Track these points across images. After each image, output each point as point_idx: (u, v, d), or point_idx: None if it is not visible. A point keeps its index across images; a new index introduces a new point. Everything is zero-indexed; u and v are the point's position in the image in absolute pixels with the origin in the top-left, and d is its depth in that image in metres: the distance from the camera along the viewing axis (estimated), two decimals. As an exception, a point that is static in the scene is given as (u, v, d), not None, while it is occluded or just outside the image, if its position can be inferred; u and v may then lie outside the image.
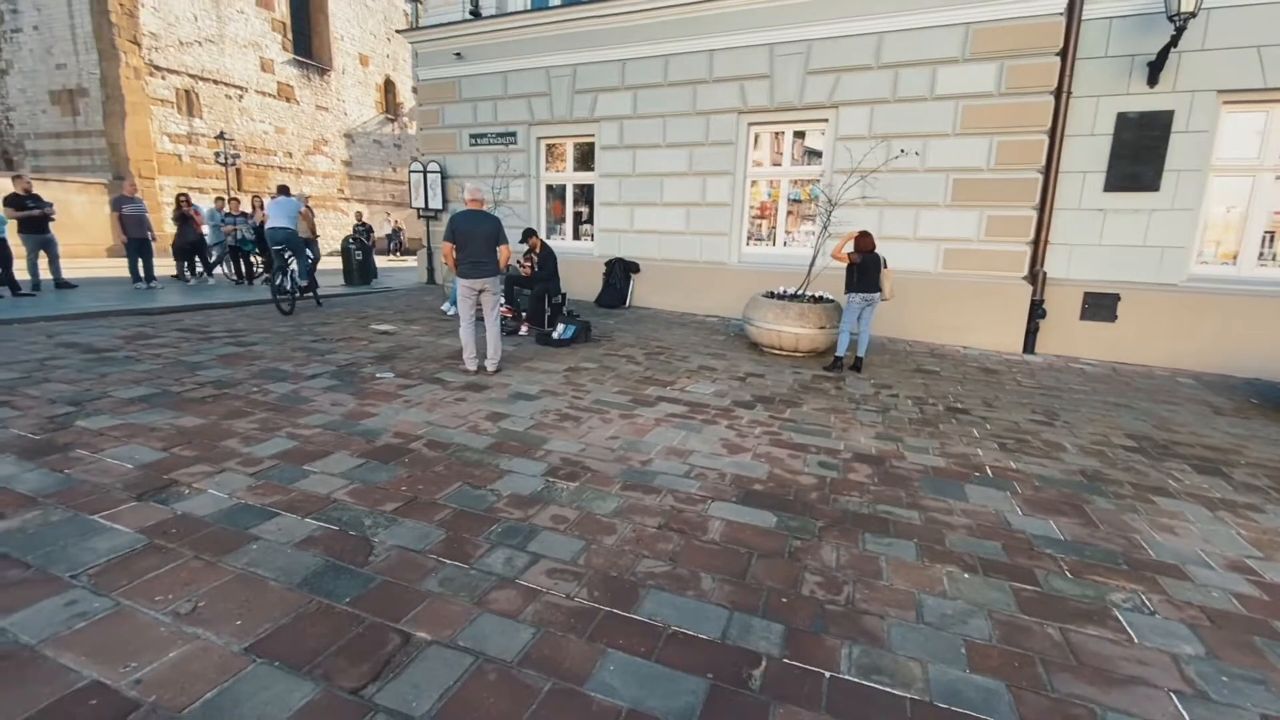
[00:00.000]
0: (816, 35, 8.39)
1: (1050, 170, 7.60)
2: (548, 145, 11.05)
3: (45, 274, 9.14)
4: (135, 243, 9.99)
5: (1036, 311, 7.83)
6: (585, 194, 10.97)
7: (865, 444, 4.27)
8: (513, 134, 10.96)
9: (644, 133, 9.76)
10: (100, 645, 1.93)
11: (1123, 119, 7.31)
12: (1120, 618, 2.39)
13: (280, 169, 22.18)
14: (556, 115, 10.47)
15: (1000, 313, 7.96)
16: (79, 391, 4.37)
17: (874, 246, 6.23)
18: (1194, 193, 7.16)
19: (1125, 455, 4.36)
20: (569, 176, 11.01)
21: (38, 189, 9.60)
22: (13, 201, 8.78)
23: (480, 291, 5.49)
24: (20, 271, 8.81)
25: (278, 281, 8.33)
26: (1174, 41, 6.62)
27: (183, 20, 18.20)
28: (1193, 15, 6.35)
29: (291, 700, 1.76)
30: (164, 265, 11.03)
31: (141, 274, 10.02)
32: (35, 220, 8.89)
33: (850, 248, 6.25)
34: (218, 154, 18.70)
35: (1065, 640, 2.23)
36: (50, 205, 9.15)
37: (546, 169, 11.15)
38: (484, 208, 5.53)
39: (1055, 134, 7.52)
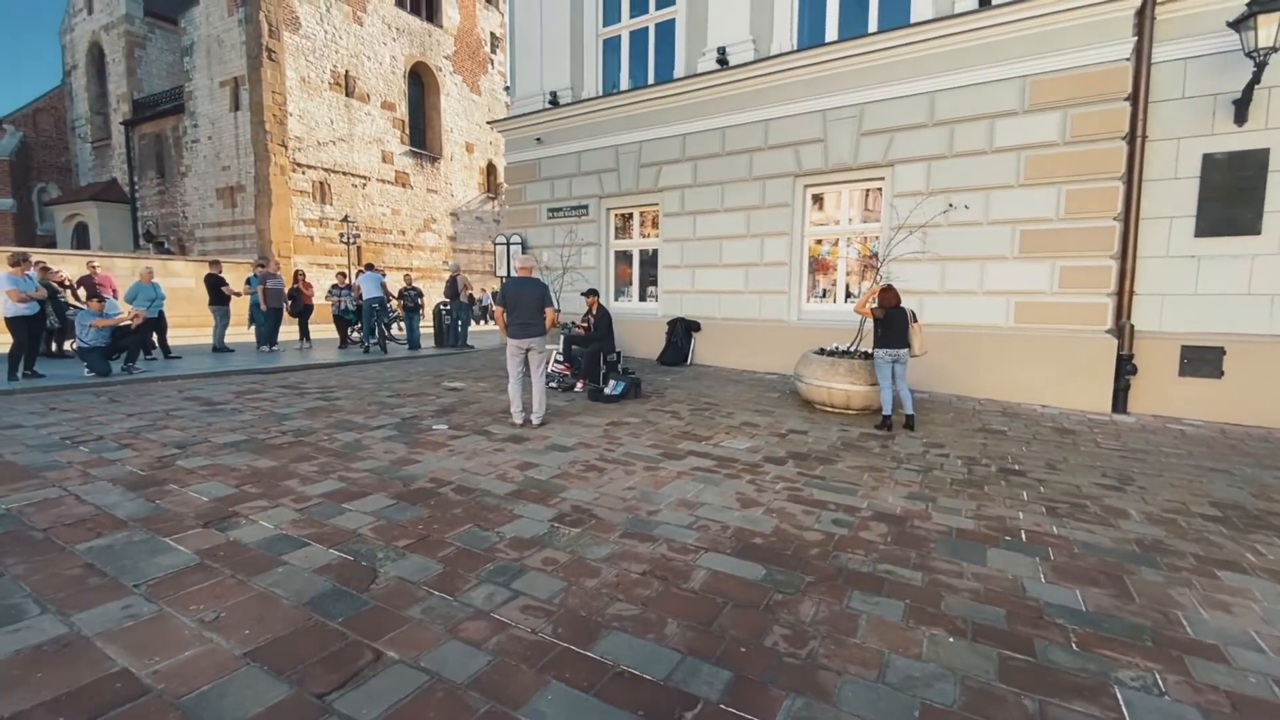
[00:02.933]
0: (869, 99, 8.56)
1: (1130, 217, 7.14)
2: (616, 215, 11.76)
3: (168, 342, 10.82)
4: (273, 311, 11.70)
5: (1125, 367, 7.18)
6: (650, 258, 11.49)
7: (892, 503, 4.12)
8: (585, 207, 11.79)
9: (704, 199, 10.20)
10: (137, 641, 2.31)
11: (1210, 160, 6.80)
12: (1118, 695, 2.18)
13: (394, 245, 24.85)
14: (624, 188, 11.19)
15: (1082, 369, 7.37)
16: (186, 437, 5.15)
17: (898, 301, 6.10)
18: (1306, 235, 6.45)
19: (1201, 525, 3.90)
20: (635, 243, 11.60)
21: (196, 269, 11.52)
22: (214, 281, 11.15)
23: (527, 350, 5.93)
24: (178, 340, 10.49)
25: (376, 334, 11.76)
26: (1257, 78, 6.19)
27: (321, 124, 21.36)
28: (1274, 50, 5.94)
29: (266, 698, 2.02)
30: (290, 331, 12.69)
31: (267, 339, 11.58)
32: (225, 296, 11.22)
33: (874, 303, 6.16)
34: (342, 235, 21.33)
35: (1041, 713, 2.07)
36: (227, 284, 11.28)
37: (615, 237, 11.83)
38: (532, 275, 6.04)
39: (1132, 180, 7.10)
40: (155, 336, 9.96)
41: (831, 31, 9.00)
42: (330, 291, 12.75)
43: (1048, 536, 3.63)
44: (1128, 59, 6.99)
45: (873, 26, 8.62)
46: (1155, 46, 6.91)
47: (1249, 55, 6.06)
